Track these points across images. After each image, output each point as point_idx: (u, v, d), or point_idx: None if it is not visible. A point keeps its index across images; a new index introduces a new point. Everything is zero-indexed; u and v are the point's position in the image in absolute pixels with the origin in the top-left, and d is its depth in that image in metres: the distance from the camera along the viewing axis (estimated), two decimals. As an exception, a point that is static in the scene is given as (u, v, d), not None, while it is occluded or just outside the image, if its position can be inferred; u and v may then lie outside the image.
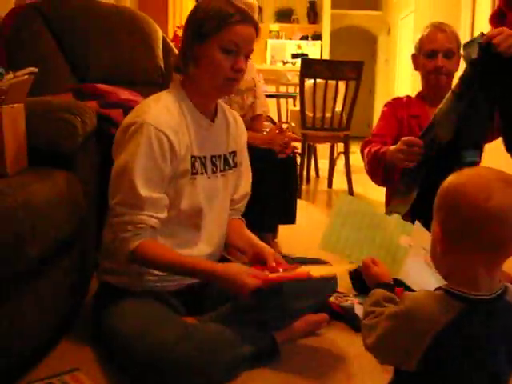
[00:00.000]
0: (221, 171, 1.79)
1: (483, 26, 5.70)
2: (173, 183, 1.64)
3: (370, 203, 1.74)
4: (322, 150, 5.77)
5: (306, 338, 1.84)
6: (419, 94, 2.44)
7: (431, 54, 2.27)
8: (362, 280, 2.11)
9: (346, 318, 1.99)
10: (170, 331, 1.49)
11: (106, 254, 1.73)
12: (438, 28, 2.30)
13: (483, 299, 0.97)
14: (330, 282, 1.84)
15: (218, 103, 1.83)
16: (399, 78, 9.11)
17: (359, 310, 1.98)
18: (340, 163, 5.01)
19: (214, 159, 1.77)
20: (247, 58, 1.67)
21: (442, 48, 2.25)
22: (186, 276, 1.64)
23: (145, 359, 1.46)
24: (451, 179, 1.00)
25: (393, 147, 2.13)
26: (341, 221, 1.60)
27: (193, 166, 1.68)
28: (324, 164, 5.53)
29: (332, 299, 2.04)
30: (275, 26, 9.75)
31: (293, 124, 5.49)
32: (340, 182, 5.00)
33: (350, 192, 4.76)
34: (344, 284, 2.19)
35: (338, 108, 4.73)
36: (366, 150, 2.32)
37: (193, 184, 1.69)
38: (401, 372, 1.07)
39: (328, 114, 4.78)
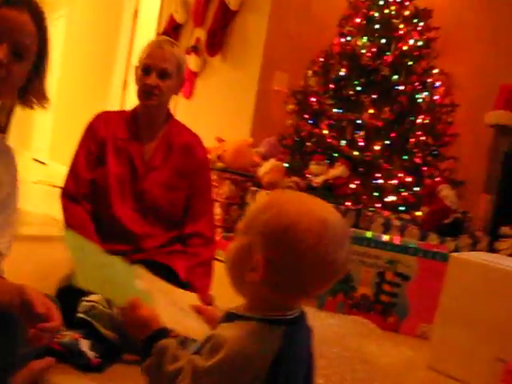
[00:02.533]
0: None
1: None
2: None
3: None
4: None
5: (31, 390, 1.46)
6: (133, 113, 2.22)
7: (146, 69, 2.09)
8: (68, 308, 1.83)
9: (70, 357, 1.66)
10: None
11: None
12: (157, 44, 2.14)
13: (297, 317, 0.93)
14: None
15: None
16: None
17: (85, 346, 1.69)
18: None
19: None
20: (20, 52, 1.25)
21: (156, 66, 2.08)
22: None
23: None
24: (289, 215, 0.88)
25: None
26: (80, 256, 1.26)
27: None
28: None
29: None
30: None
31: None
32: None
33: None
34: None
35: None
36: (64, 206, 2.10)
37: None
38: None
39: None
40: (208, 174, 2.37)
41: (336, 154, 3.75)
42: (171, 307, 1.17)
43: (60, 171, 3.83)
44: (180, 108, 5.07)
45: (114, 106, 5.99)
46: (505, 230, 3.11)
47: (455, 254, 2.21)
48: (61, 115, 7.29)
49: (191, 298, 1.24)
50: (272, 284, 0.88)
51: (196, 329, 1.11)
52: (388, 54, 3.74)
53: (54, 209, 2.51)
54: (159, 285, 1.22)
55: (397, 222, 3.23)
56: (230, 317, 0.93)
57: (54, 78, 7.93)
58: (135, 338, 0.99)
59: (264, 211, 0.89)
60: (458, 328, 2.10)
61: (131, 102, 5.88)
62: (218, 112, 4.71)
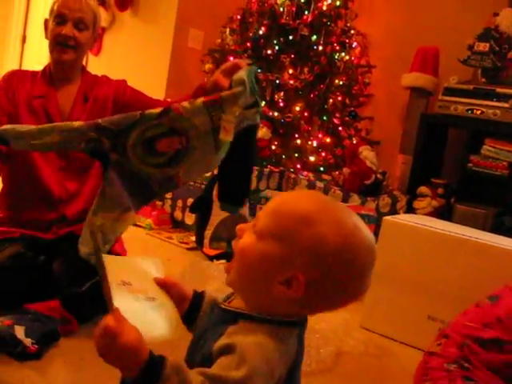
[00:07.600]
0: None
1: None
2: None
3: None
4: None
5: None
6: (45, 71, 2.06)
7: (60, 19, 1.94)
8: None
9: (4, 345, 1.54)
10: None
11: None
12: None
13: (306, 318, 0.91)
14: None
15: None
16: None
17: (20, 333, 1.57)
18: None
19: None
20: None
21: (72, 15, 1.94)
22: None
23: None
24: (339, 237, 0.81)
25: None
26: None
27: None
28: None
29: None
30: None
31: None
32: None
33: None
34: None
35: None
36: None
37: None
38: None
39: None
40: None
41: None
42: (134, 303, 1.05)
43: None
44: (89, 66, 4.79)
45: (12, 61, 5.55)
46: (422, 189, 3.23)
47: (388, 217, 2.26)
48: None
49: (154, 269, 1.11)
50: (303, 303, 0.83)
51: (157, 327, 0.99)
52: (307, 13, 3.70)
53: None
54: (123, 271, 1.08)
55: (320, 184, 3.26)
56: (234, 315, 0.86)
57: None
58: (119, 367, 0.78)
59: (307, 224, 0.81)
60: (391, 289, 2.17)
61: (31, 57, 5.49)
62: (129, 70, 4.46)
